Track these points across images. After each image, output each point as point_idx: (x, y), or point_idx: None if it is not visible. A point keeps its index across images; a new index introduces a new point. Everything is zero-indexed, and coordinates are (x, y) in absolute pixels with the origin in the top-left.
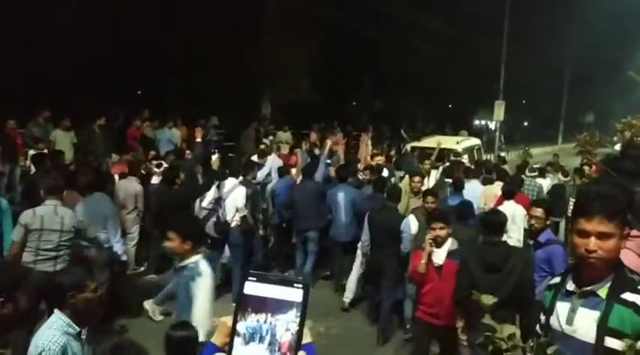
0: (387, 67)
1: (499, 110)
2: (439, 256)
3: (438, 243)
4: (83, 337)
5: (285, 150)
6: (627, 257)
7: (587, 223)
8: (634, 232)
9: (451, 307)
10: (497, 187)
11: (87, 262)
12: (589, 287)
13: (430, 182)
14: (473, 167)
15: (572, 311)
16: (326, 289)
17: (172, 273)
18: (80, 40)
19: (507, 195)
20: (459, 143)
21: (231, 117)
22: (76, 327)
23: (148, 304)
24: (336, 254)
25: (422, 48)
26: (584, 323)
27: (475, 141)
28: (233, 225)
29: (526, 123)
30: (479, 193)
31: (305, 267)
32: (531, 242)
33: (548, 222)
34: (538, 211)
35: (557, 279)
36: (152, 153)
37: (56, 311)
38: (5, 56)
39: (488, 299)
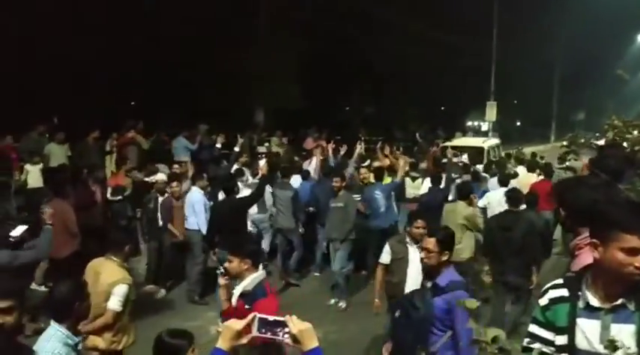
0: (378, 71)
1: (491, 110)
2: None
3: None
4: (80, 348)
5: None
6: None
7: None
8: None
9: None
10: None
11: None
12: (619, 301)
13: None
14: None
15: (605, 328)
16: (322, 294)
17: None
18: (69, 52)
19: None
20: (484, 142)
21: (223, 125)
22: (75, 338)
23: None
24: (375, 242)
25: (412, 51)
26: (622, 340)
27: (496, 140)
28: None
29: (518, 123)
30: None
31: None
32: (429, 284)
33: (445, 258)
34: (430, 242)
35: (561, 293)
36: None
37: (53, 323)
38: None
39: (472, 304)
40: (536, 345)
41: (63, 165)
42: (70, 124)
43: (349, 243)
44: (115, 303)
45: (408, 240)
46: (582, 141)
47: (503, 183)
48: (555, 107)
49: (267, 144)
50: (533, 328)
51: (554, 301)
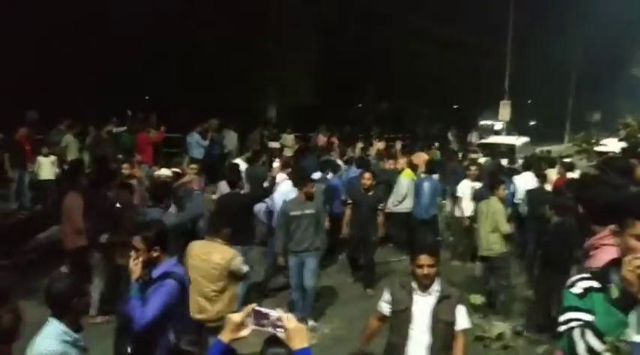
0: (392, 68)
1: (504, 110)
2: None
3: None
4: (81, 343)
5: (289, 153)
6: (615, 255)
7: None
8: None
9: None
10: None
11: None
12: None
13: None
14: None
15: None
16: (330, 290)
17: None
18: (83, 44)
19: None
20: (516, 140)
21: (236, 121)
22: (73, 334)
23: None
24: (417, 230)
25: (426, 49)
26: None
27: (526, 138)
28: None
29: (532, 123)
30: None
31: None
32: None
33: (156, 254)
34: (136, 240)
35: (591, 284)
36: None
37: (51, 319)
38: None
39: (476, 299)
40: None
41: (79, 159)
42: (84, 118)
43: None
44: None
45: (414, 285)
46: (594, 140)
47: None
48: (570, 107)
49: (281, 140)
50: (571, 315)
51: (588, 290)
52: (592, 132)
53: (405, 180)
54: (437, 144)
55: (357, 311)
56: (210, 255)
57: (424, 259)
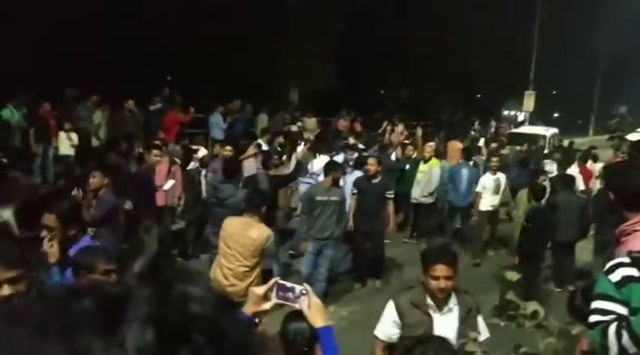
0: (414, 55)
1: (529, 100)
2: None
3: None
4: None
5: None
6: None
7: None
8: None
9: None
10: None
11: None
12: None
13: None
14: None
15: None
16: (349, 274)
17: None
18: (108, 22)
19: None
20: (546, 131)
21: (259, 103)
22: None
23: None
24: (453, 216)
25: (450, 36)
26: None
27: (554, 129)
28: None
29: (557, 115)
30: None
31: None
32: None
33: (73, 232)
34: (50, 219)
35: (632, 272)
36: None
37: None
38: (34, 38)
39: (512, 276)
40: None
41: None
42: (107, 95)
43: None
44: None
45: (429, 302)
46: (629, 123)
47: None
48: (596, 99)
49: (299, 123)
50: (605, 304)
51: (627, 279)
52: (625, 118)
53: (437, 170)
54: (473, 132)
55: (378, 293)
56: (248, 232)
57: (441, 270)
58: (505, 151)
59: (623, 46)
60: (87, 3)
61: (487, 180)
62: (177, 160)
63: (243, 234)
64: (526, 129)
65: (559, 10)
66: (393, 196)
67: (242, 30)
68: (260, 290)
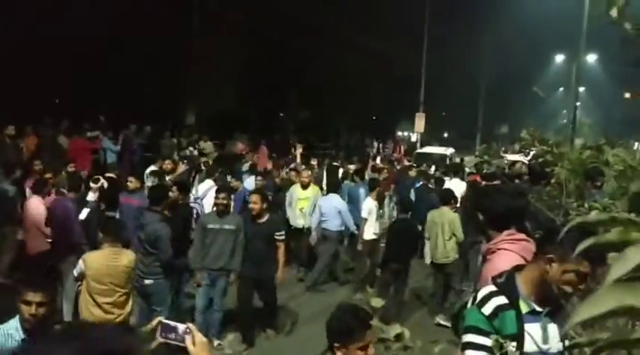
0: (313, 78)
1: (419, 122)
2: None
3: None
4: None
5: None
6: (509, 258)
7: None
8: (519, 235)
9: None
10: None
11: None
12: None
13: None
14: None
15: (545, 330)
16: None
17: None
18: None
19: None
20: (446, 150)
21: (151, 125)
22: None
23: None
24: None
25: (347, 59)
26: (555, 338)
27: (452, 149)
28: None
29: (446, 135)
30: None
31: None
32: None
33: None
34: None
35: (502, 300)
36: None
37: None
38: None
39: (377, 302)
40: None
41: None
42: None
43: None
44: None
45: None
46: (493, 151)
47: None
48: (480, 120)
49: (193, 147)
50: (478, 338)
51: (498, 309)
52: (492, 144)
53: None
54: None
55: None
56: (119, 260)
57: None
58: (412, 172)
59: (503, 70)
60: None
61: (370, 205)
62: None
63: (113, 264)
64: (430, 149)
65: (446, 33)
66: (283, 238)
67: (139, 51)
68: (145, 329)
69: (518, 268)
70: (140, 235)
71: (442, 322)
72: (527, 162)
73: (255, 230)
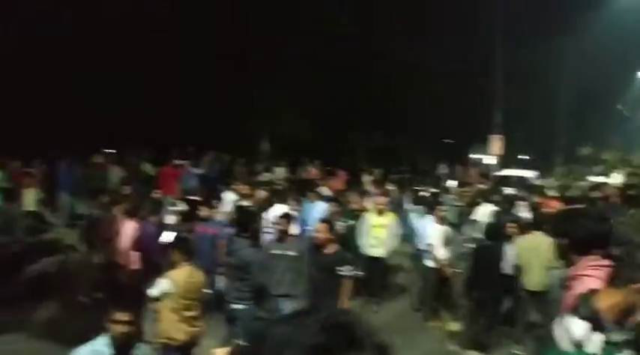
0: (386, 103)
1: (495, 144)
2: None
3: None
4: None
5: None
6: (593, 286)
7: None
8: (603, 261)
9: None
10: None
11: None
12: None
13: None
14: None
15: None
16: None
17: None
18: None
19: None
20: (529, 173)
21: (228, 153)
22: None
23: None
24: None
25: (421, 82)
26: None
27: (536, 172)
28: None
29: (522, 157)
30: None
31: None
32: None
33: None
34: None
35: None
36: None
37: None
38: None
39: (454, 326)
40: None
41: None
42: None
43: None
44: None
45: None
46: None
47: None
48: (562, 141)
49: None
50: None
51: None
52: (572, 168)
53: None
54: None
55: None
56: (195, 277)
57: None
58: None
59: (583, 90)
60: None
61: (436, 231)
62: None
63: (195, 281)
64: (508, 172)
65: (521, 56)
66: (349, 274)
67: (212, 81)
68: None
69: (601, 294)
70: (231, 261)
71: (518, 352)
72: (613, 184)
73: (317, 260)
